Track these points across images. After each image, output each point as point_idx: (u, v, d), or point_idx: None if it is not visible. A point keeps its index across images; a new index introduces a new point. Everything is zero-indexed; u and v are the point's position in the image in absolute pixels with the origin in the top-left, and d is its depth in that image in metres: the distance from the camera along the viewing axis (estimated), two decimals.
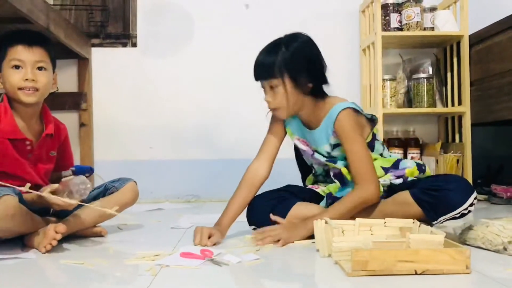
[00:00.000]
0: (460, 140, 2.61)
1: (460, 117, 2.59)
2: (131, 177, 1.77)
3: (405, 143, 2.66)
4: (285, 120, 1.66)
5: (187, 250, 1.34)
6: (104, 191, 1.69)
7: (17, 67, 1.51)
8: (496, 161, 2.76)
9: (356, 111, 1.57)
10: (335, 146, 1.60)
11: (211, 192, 2.78)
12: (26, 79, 1.49)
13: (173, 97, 2.79)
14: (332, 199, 1.59)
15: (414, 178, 1.58)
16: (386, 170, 1.62)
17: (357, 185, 1.51)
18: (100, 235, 1.64)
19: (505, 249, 1.31)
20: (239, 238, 1.57)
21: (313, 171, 1.75)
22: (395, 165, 1.62)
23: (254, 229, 1.62)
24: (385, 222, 1.36)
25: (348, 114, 1.54)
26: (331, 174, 1.66)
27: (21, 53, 1.50)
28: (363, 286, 1.06)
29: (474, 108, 2.51)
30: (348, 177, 1.60)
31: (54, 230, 1.38)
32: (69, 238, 1.54)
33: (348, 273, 1.11)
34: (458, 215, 1.42)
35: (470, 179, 2.52)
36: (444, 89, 2.69)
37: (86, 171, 1.82)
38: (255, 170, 1.63)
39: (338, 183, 1.64)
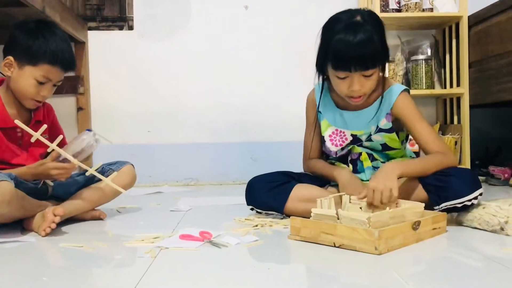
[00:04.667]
0: (459, 122, 2.61)
1: (458, 99, 2.59)
2: (129, 161, 1.77)
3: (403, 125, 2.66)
4: (320, 111, 1.66)
5: (186, 232, 1.35)
6: (101, 174, 1.68)
7: (41, 83, 1.53)
8: (494, 143, 2.77)
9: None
10: (380, 130, 1.58)
11: (210, 176, 2.78)
12: (43, 95, 1.55)
13: (170, 80, 2.77)
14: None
15: None
16: None
17: (438, 152, 1.50)
18: (99, 218, 1.65)
19: (502, 229, 1.32)
20: (238, 219, 1.58)
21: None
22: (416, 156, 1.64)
23: (251, 209, 1.63)
24: (396, 204, 1.37)
25: (409, 95, 1.59)
26: (349, 158, 1.65)
27: (54, 74, 1.54)
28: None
29: (472, 90, 2.50)
30: (365, 163, 1.61)
31: (53, 213, 1.38)
32: (68, 221, 1.55)
33: (288, 236, 1.31)
34: (460, 205, 1.39)
35: (468, 160, 2.53)
36: (442, 70, 2.68)
37: None
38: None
39: (350, 167, 1.64)
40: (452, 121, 2.68)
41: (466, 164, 2.52)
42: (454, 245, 1.26)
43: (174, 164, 2.79)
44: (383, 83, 1.57)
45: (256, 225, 1.49)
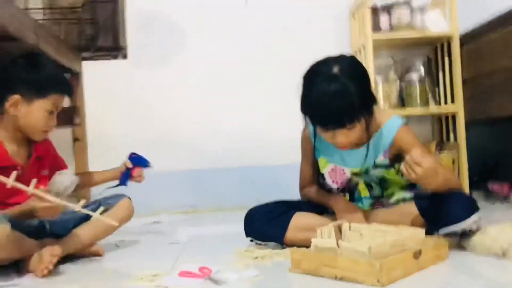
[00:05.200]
0: (455, 139, 2.61)
1: (453, 116, 2.59)
2: (127, 191, 1.76)
3: None
4: (317, 148, 1.61)
5: (185, 269, 1.33)
6: (98, 208, 1.67)
7: (51, 112, 1.55)
8: (491, 159, 2.76)
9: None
10: (377, 166, 1.55)
11: (208, 202, 2.77)
12: (52, 125, 1.58)
13: (167, 107, 2.78)
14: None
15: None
16: (403, 187, 1.60)
17: None
18: (98, 254, 1.63)
19: (504, 254, 1.31)
20: (238, 250, 1.56)
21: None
22: (413, 185, 1.60)
23: (251, 240, 1.61)
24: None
25: (408, 128, 1.54)
26: (345, 188, 1.62)
27: (61, 102, 1.59)
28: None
29: (467, 107, 2.51)
30: (363, 193, 1.59)
31: (50, 253, 1.36)
32: (66, 259, 1.53)
33: (289, 269, 1.30)
34: (459, 231, 1.37)
35: (466, 177, 2.52)
36: (436, 89, 2.69)
37: (142, 163, 1.87)
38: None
39: (347, 196, 1.62)
40: (448, 139, 2.68)
41: (464, 180, 2.51)
42: (457, 273, 1.25)
43: (171, 192, 2.78)
44: (374, 121, 1.49)
45: (256, 257, 1.47)
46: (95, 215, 1.44)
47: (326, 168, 1.61)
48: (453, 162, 2.54)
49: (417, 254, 1.23)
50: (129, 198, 1.75)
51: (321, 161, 1.62)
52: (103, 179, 1.89)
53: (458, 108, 2.51)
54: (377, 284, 1.12)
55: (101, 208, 1.47)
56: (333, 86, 1.38)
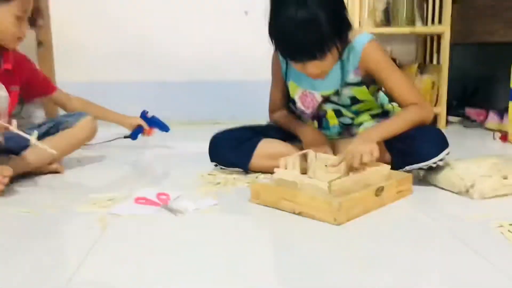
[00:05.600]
0: (438, 61, 2.52)
1: (439, 37, 2.48)
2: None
3: None
4: (286, 72, 1.51)
5: (143, 194, 1.29)
6: (56, 126, 1.59)
7: (20, 18, 1.44)
8: (473, 82, 2.69)
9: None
10: (347, 85, 1.46)
11: (180, 115, 2.70)
12: (24, 31, 1.48)
13: (134, 17, 2.61)
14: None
15: None
16: (373, 116, 1.55)
17: (414, 105, 1.40)
18: (57, 171, 1.58)
19: (467, 191, 1.28)
20: (201, 174, 1.52)
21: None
22: (385, 114, 1.54)
23: (215, 165, 1.56)
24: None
25: (376, 44, 1.42)
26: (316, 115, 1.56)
27: (30, 6, 1.47)
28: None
29: (454, 28, 2.39)
30: (331, 121, 1.53)
31: (1, 174, 1.30)
32: (24, 177, 1.48)
33: (249, 200, 1.26)
34: (425, 167, 1.34)
35: (444, 102, 2.47)
36: (425, 5, 2.54)
37: (163, 128, 1.96)
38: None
39: (315, 124, 1.57)
40: (431, 61, 2.59)
41: (442, 105, 2.47)
42: (417, 210, 1.21)
43: (146, 103, 2.68)
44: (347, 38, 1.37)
45: (219, 183, 1.44)
46: (32, 140, 1.34)
47: (296, 93, 1.53)
48: (433, 86, 2.48)
49: (379, 191, 1.20)
50: (92, 116, 1.66)
51: (291, 85, 1.53)
52: (116, 120, 1.91)
53: (444, 28, 2.40)
54: (333, 222, 1.09)
55: (35, 133, 1.37)
56: (301, 14, 1.23)
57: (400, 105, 1.47)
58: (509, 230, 1.03)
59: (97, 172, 1.63)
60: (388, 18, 2.48)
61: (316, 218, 1.12)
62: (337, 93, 1.48)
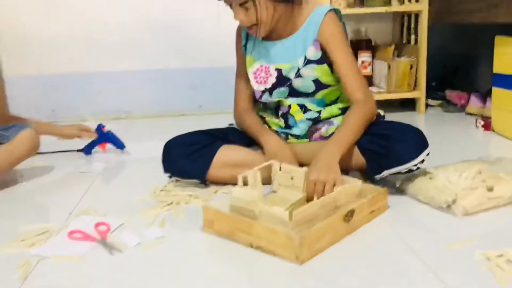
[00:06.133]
0: (416, 42, 2.35)
1: (417, 16, 2.31)
2: (28, 125, 1.48)
3: (355, 45, 2.37)
4: (246, 46, 1.43)
5: (78, 226, 1.12)
6: None
7: None
8: (453, 61, 2.54)
9: (339, 18, 1.36)
10: (308, 62, 1.34)
11: (143, 108, 2.51)
12: None
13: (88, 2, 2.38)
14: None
15: None
16: (343, 110, 1.39)
17: (359, 100, 1.30)
18: None
19: (449, 206, 1.14)
20: (153, 192, 1.35)
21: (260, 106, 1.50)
22: None
23: (170, 176, 1.39)
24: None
25: (335, 17, 1.34)
26: (279, 113, 1.42)
27: None
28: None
29: (432, 7, 2.22)
30: (297, 116, 1.38)
31: None
32: None
33: (201, 228, 1.10)
34: (404, 171, 1.21)
35: (423, 85, 2.32)
36: None
37: (118, 146, 1.80)
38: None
39: (282, 122, 1.41)
40: (409, 41, 2.42)
41: (422, 89, 2.31)
42: (391, 235, 1.06)
43: (102, 95, 2.49)
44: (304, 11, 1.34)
45: (171, 203, 1.27)
46: None
47: (251, 68, 1.41)
48: (411, 68, 2.31)
49: (348, 217, 1.04)
50: (33, 128, 1.46)
51: (249, 60, 1.42)
52: (50, 132, 1.71)
53: (422, 7, 2.22)
54: (295, 260, 0.93)
55: None
56: None
57: (345, 92, 1.35)
58: (497, 265, 0.89)
59: (36, 192, 1.43)
60: None
61: (276, 254, 0.96)
62: (298, 74, 1.34)
